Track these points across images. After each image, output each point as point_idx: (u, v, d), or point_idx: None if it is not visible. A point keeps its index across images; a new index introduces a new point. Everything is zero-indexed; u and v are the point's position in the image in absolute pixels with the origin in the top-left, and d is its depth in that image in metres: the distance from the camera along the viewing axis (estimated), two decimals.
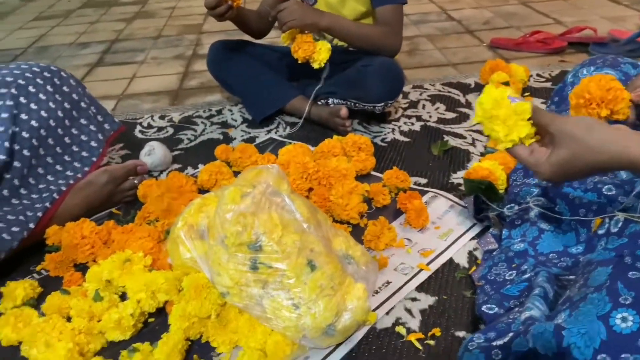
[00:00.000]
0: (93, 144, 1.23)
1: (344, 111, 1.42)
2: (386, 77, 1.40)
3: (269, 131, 1.58)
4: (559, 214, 0.95)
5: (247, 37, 1.70)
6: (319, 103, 1.55)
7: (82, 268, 1.01)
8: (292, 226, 0.80)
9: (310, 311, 0.76)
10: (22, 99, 1.11)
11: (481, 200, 1.09)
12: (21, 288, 0.92)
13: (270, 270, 0.77)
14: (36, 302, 0.94)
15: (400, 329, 0.85)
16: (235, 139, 1.55)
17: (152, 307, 0.88)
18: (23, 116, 1.10)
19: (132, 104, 1.88)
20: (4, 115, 1.08)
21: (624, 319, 0.49)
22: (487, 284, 0.88)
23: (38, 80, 1.15)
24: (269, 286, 0.77)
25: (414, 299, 0.91)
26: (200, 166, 1.38)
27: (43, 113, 1.14)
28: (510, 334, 0.57)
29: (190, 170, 1.39)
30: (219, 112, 1.73)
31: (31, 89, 1.13)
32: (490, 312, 0.78)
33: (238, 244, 0.77)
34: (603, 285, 0.56)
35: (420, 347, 0.81)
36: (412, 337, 0.83)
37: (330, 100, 1.52)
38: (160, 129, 1.64)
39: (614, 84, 0.86)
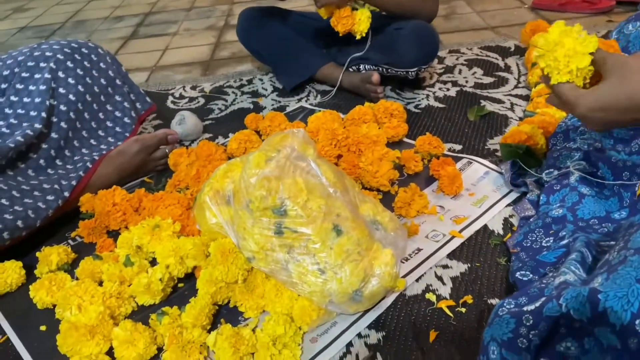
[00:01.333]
0: (126, 120, 1.24)
1: (375, 77, 1.38)
2: (420, 40, 1.35)
3: (299, 100, 1.56)
4: (601, 178, 0.89)
5: (277, 4, 1.67)
6: (351, 70, 1.51)
7: (115, 234, 1.03)
8: (318, 191, 0.78)
9: (337, 276, 0.75)
10: (60, 74, 1.13)
11: (518, 165, 1.04)
12: (55, 253, 0.95)
13: (295, 234, 0.75)
14: (70, 268, 0.96)
15: (431, 296, 0.82)
16: (265, 108, 1.53)
17: (181, 272, 0.88)
18: (61, 90, 1.13)
19: (164, 75, 1.88)
20: (42, 87, 1.10)
21: None
22: (522, 251, 0.85)
23: (76, 56, 1.17)
24: (295, 251, 0.76)
25: (445, 266, 0.88)
26: (231, 135, 1.38)
27: (80, 88, 1.16)
28: (542, 299, 0.54)
29: (220, 139, 1.39)
30: (250, 81, 1.72)
31: (69, 64, 1.15)
32: (525, 279, 0.75)
33: (263, 209, 0.76)
34: None
35: (451, 314, 0.79)
36: (443, 304, 0.80)
37: (362, 67, 1.48)
38: (191, 99, 1.64)
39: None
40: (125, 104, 1.25)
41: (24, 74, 1.11)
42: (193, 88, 1.71)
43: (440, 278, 0.86)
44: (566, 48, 0.74)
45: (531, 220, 0.91)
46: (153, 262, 0.93)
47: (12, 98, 1.10)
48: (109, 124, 1.23)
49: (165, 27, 2.39)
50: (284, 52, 1.57)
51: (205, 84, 1.74)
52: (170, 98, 1.66)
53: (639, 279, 0.48)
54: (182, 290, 0.90)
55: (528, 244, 0.85)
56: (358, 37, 1.37)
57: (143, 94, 1.31)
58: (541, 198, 0.93)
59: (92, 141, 1.20)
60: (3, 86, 1.11)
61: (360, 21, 1.34)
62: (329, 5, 1.34)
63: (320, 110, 1.42)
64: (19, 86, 1.11)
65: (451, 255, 0.90)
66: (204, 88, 1.70)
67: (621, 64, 0.60)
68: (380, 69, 1.43)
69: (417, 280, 0.86)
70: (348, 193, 0.84)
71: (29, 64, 1.12)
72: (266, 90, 1.65)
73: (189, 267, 0.89)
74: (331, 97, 1.53)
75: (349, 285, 0.75)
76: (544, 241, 0.83)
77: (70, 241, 1.05)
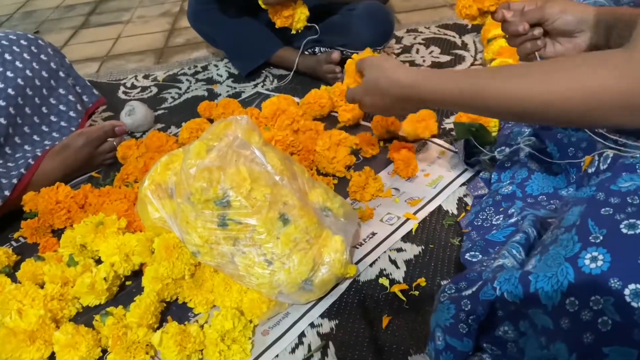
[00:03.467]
0: (72, 114, 1.19)
1: (335, 55, 1.35)
2: (373, 20, 1.32)
3: (255, 85, 1.52)
4: (549, 155, 0.89)
5: None
6: (306, 53, 1.48)
7: (60, 233, 0.98)
8: (263, 179, 0.75)
9: (284, 266, 0.72)
10: None
11: (472, 144, 1.03)
12: None
13: (240, 226, 0.73)
14: (12, 270, 0.92)
15: (384, 281, 0.81)
16: (220, 95, 1.49)
17: (127, 270, 0.85)
18: None
19: (116, 65, 1.82)
20: None
21: (593, 259, 0.44)
22: (473, 230, 0.84)
23: (14, 47, 1.11)
24: (240, 243, 0.74)
25: (399, 250, 0.87)
26: (184, 125, 1.33)
27: (20, 81, 1.10)
28: (479, 283, 0.52)
29: (173, 129, 1.35)
30: (205, 68, 1.67)
31: (7, 56, 1.09)
32: (474, 259, 0.74)
33: (204, 201, 0.73)
34: (573, 224, 0.51)
35: (403, 298, 0.77)
36: (396, 289, 0.79)
37: (317, 49, 1.45)
38: (144, 88, 1.59)
39: None
40: (70, 97, 1.19)
41: None
42: (146, 77, 1.66)
43: (394, 262, 0.85)
44: None
45: (483, 198, 0.90)
46: (99, 261, 0.89)
47: None
48: (53, 118, 1.17)
49: (118, 15, 2.31)
50: (238, 36, 1.52)
51: (158, 72, 1.68)
52: (122, 88, 1.60)
53: (568, 258, 0.47)
54: (129, 288, 0.87)
55: (479, 223, 0.84)
56: (294, 32, 1.37)
57: (90, 87, 1.25)
58: (493, 176, 0.92)
59: (35, 137, 1.14)
60: None
61: (298, 19, 1.34)
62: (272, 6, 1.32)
63: (275, 96, 1.39)
64: None
65: (405, 238, 0.89)
66: (157, 77, 1.65)
67: (370, 64, 0.81)
68: (337, 49, 1.40)
69: (370, 265, 0.84)
70: (296, 180, 0.82)
71: None
72: (221, 76, 1.60)
73: (135, 264, 0.86)
74: (288, 81, 1.49)
75: (297, 275, 0.73)
76: (494, 219, 0.83)
77: (13, 242, 1.00)
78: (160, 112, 1.43)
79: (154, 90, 1.57)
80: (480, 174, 0.97)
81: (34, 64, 1.13)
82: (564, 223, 0.52)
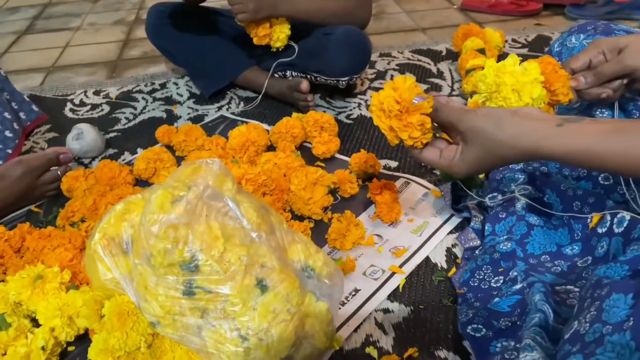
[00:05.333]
0: (7, 133, 1.04)
1: (304, 85, 1.25)
2: (351, 47, 1.23)
3: (219, 108, 1.40)
4: (548, 205, 0.82)
5: None
6: (276, 75, 1.38)
7: None
8: (237, 237, 0.64)
9: (262, 343, 0.62)
10: None
11: (459, 187, 0.96)
12: None
13: (209, 295, 0.61)
14: None
15: (371, 350, 0.72)
16: (180, 117, 1.37)
17: (70, 335, 0.72)
18: None
19: (63, 77, 1.65)
20: None
21: None
22: (469, 292, 0.76)
23: None
24: (209, 315, 0.62)
25: (386, 311, 0.78)
26: (140, 151, 1.21)
27: None
28: None
29: (127, 156, 1.21)
30: (163, 85, 1.54)
31: None
32: (477, 334, 0.65)
33: (168, 264, 0.61)
34: (624, 322, 0.44)
35: None
36: None
37: (288, 73, 1.35)
38: (94, 106, 1.44)
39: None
40: (6, 114, 1.05)
41: None
42: (96, 93, 1.51)
43: (381, 326, 0.76)
44: (510, 84, 0.73)
45: (477, 253, 0.83)
46: (35, 321, 0.76)
47: None
48: None
49: (67, 21, 2.13)
50: (201, 54, 1.40)
51: (111, 88, 1.53)
52: (69, 105, 1.45)
53: None
54: (72, 355, 0.74)
55: (476, 284, 0.76)
56: (273, 49, 1.29)
57: (28, 102, 1.11)
58: (486, 227, 0.85)
59: None
60: None
61: (277, 39, 1.27)
62: (247, 21, 1.23)
63: (243, 121, 1.28)
64: None
65: (392, 296, 0.80)
66: (109, 93, 1.50)
67: (478, 133, 0.63)
68: (309, 76, 1.31)
69: (355, 330, 0.75)
70: (274, 234, 0.71)
71: None
72: (181, 96, 1.47)
73: (80, 328, 0.73)
74: (255, 105, 1.38)
75: (277, 353, 0.62)
76: (493, 280, 0.75)
77: None
78: (112, 134, 1.29)
79: (106, 108, 1.42)
80: (471, 224, 0.89)
81: None
82: (607, 317, 0.44)
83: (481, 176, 0.98)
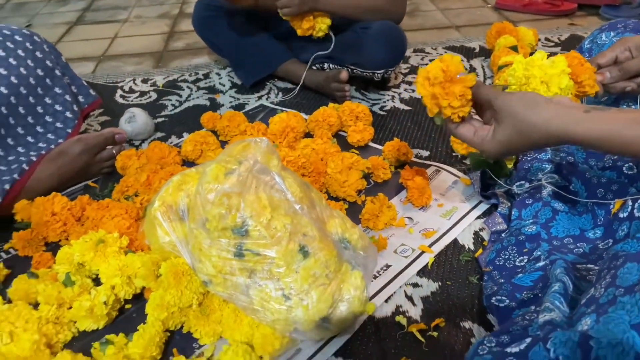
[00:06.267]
0: (68, 114, 1.12)
1: (344, 74, 1.32)
2: (387, 41, 1.29)
3: (259, 97, 1.48)
4: (574, 193, 0.87)
5: None
6: (314, 68, 1.45)
7: (54, 247, 0.93)
8: (283, 208, 0.71)
9: (302, 303, 0.68)
10: None
11: (488, 175, 1.01)
12: None
13: (257, 257, 0.68)
14: (2, 286, 0.86)
15: (401, 319, 0.77)
16: (223, 105, 1.45)
17: (129, 293, 0.80)
18: None
19: (113, 66, 1.75)
20: None
21: None
22: (495, 270, 0.81)
23: (8, 43, 1.05)
24: (257, 275, 0.69)
25: (415, 285, 0.84)
26: (185, 135, 1.29)
27: (13, 79, 1.04)
28: (528, 340, 0.49)
29: (174, 139, 1.29)
30: (206, 75, 1.62)
31: (1, 52, 1.03)
32: (501, 305, 0.71)
33: (221, 228, 0.68)
34: (635, 285, 0.48)
35: (422, 339, 0.74)
36: (414, 329, 0.75)
37: (326, 65, 1.42)
38: (142, 93, 1.53)
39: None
40: (67, 96, 1.13)
41: None
42: (144, 81, 1.60)
43: (410, 298, 0.81)
44: (539, 77, 0.79)
45: (503, 235, 0.88)
46: (96, 281, 0.84)
47: None
48: (48, 118, 1.11)
49: (114, 13, 2.24)
50: (244, 45, 1.48)
51: (157, 77, 1.63)
52: (119, 92, 1.54)
53: (633, 325, 0.44)
54: (129, 312, 0.81)
55: (501, 263, 0.81)
56: (315, 38, 1.36)
57: (86, 87, 1.19)
58: (513, 212, 0.90)
59: (29, 138, 1.08)
60: None
61: (319, 29, 1.33)
62: (292, 15, 1.30)
63: (281, 110, 1.35)
64: None
65: (421, 273, 0.86)
66: (156, 81, 1.59)
67: (512, 114, 0.67)
68: (346, 68, 1.37)
69: (386, 301, 0.81)
70: (315, 208, 0.78)
71: None
72: (224, 85, 1.55)
73: (137, 288, 0.81)
74: (293, 95, 1.45)
75: (316, 312, 0.69)
76: (518, 260, 0.80)
77: (3, 254, 0.94)
78: (160, 119, 1.38)
79: (154, 96, 1.51)
80: (499, 209, 0.94)
81: (29, 62, 1.06)
82: (620, 282, 0.49)
83: (509, 165, 1.02)
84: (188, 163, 1.16)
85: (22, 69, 1.05)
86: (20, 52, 1.05)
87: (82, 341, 0.77)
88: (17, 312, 0.75)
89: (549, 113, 0.64)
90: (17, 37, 1.05)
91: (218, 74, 1.62)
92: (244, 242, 0.69)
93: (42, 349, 0.71)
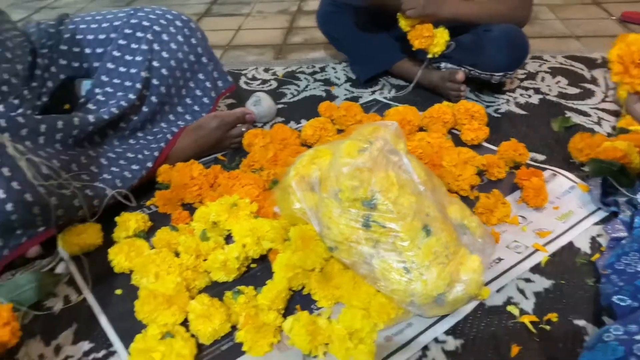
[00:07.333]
0: (205, 100, 1.23)
1: (460, 75, 1.34)
2: (510, 44, 1.30)
3: (373, 92, 1.53)
4: None
5: None
6: (429, 67, 1.48)
7: (188, 208, 1.04)
8: (409, 187, 0.76)
9: (422, 277, 0.72)
10: (155, 46, 1.12)
11: (609, 183, 0.99)
12: (134, 220, 0.96)
13: (383, 229, 0.73)
14: (146, 235, 0.97)
15: (513, 309, 0.79)
16: (337, 97, 1.52)
17: (257, 253, 0.88)
18: (155, 63, 1.12)
19: (237, 55, 1.89)
20: (139, 58, 1.11)
21: None
22: (614, 274, 0.80)
23: (171, 28, 1.15)
24: (380, 246, 0.74)
25: (527, 280, 0.85)
26: (303, 121, 1.37)
27: (172, 63, 1.15)
28: None
29: (292, 124, 1.38)
30: (322, 69, 1.70)
31: (165, 37, 1.14)
32: (623, 303, 0.70)
33: (352, 199, 0.74)
34: None
35: (534, 330, 0.75)
36: (526, 319, 0.77)
37: (442, 65, 1.44)
38: (264, 81, 1.64)
39: None
40: (207, 83, 1.23)
41: (120, 42, 1.12)
42: (265, 70, 1.71)
43: (522, 291, 0.83)
44: None
45: (624, 242, 0.86)
46: (227, 240, 0.93)
47: (109, 65, 1.11)
48: (188, 101, 1.22)
49: (238, 8, 2.40)
50: (363, 41, 1.54)
51: (277, 67, 1.73)
52: (243, 78, 1.66)
53: None
54: (254, 271, 0.89)
55: (621, 267, 0.80)
56: (430, 56, 1.38)
57: (226, 73, 1.29)
58: (635, 220, 0.88)
59: (170, 116, 1.20)
60: (98, 50, 1.12)
61: (437, 43, 1.34)
62: (414, 19, 1.32)
63: (395, 105, 1.40)
64: (115, 53, 1.12)
65: (534, 270, 0.87)
66: (276, 71, 1.70)
67: None
68: (463, 69, 1.39)
69: (497, 291, 0.83)
70: (436, 193, 0.82)
71: (126, 31, 1.12)
72: (339, 79, 1.63)
73: (264, 249, 0.89)
74: (407, 92, 1.49)
75: (434, 288, 0.72)
76: None
77: (145, 209, 1.06)
78: (279, 106, 1.47)
79: (274, 84, 1.62)
80: (620, 216, 0.92)
81: (185, 47, 1.16)
82: None
83: (633, 174, 1.00)
84: (307, 146, 1.24)
85: (179, 54, 1.15)
86: (179, 37, 1.15)
87: (213, 290, 0.85)
88: (162, 257, 0.86)
89: None
90: (177, 23, 1.16)
91: (334, 68, 1.70)
92: (371, 214, 0.74)
93: (182, 290, 0.81)
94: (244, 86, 1.61)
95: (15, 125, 0.87)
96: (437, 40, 1.34)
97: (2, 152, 0.81)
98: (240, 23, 2.21)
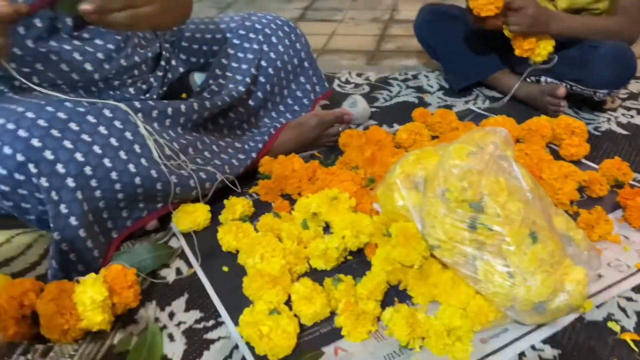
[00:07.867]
0: (305, 101, 1.32)
1: (562, 90, 1.32)
2: (618, 62, 1.27)
3: (467, 102, 1.54)
4: None
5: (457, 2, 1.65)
6: (528, 80, 1.46)
7: (287, 198, 1.09)
8: (518, 194, 0.77)
9: (526, 283, 0.73)
10: (265, 47, 1.24)
11: None
12: (240, 204, 1.02)
13: (489, 232, 0.75)
14: (249, 219, 1.03)
15: (613, 325, 0.78)
16: (430, 104, 1.53)
17: (355, 245, 0.91)
18: (263, 63, 1.24)
19: (331, 59, 1.95)
20: (250, 56, 1.22)
21: None
22: None
23: (280, 32, 1.26)
24: (485, 248, 0.76)
25: (629, 299, 0.83)
26: (395, 125, 1.40)
27: (279, 63, 1.26)
28: None
29: (385, 127, 1.41)
30: (415, 76, 1.72)
31: (273, 39, 1.25)
32: None
33: (460, 200, 0.76)
34: None
35: (635, 348, 0.74)
36: (627, 337, 0.76)
37: (542, 78, 1.43)
38: (357, 85, 1.69)
39: None
40: (307, 86, 1.33)
41: (235, 41, 1.23)
42: (358, 75, 1.76)
43: (623, 310, 0.81)
44: None
45: None
46: (325, 231, 0.98)
47: (223, 61, 1.22)
48: (289, 101, 1.32)
49: (332, 14, 2.48)
50: (460, 50, 1.55)
51: (370, 72, 1.77)
52: (337, 81, 1.72)
53: None
54: (350, 262, 0.93)
55: None
56: (532, 63, 1.35)
57: (324, 78, 1.37)
58: None
59: (273, 113, 1.30)
60: (215, 48, 1.23)
61: (539, 53, 1.31)
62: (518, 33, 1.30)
63: (489, 115, 1.39)
64: (230, 50, 1.22)
65: (637, 289, 0.85)
66: (369, 76, 1.74)
67: None
68: (565, 84, 1.37)
69: (597, 307, 0.82)
70: (543, 202, 0.82)
71: (240, 32, 1.23)
72: (432, 87, 1.64)
73: (361, 243, 0.92)
74: (502, 104, 1.49)
75: (536, 295, 0.73)
76: None
77: (247, 196, 1.13)
78: (372, 109, 1.51)
79: (367, 88, 1.66)
80: None
81: (290, 51, 1.27)
82: None
83: None
84: (401, 149, 1.26)
85: (285, 56, 1.26)
86: (286, 41, 1.26)
87: (312, 276, 0.89)
88: (267, 240, 0.91)
89: None
90: (285, 28, 1.27)
91: (426, 76, 1.71)
92: (478, 216, 0.76)
93: (286, 273, 0.86)
94: (338, 89, 1.66)
95: (148, 107, 0.96)
96: (540, 50, 1.32)
97: (135, 131, 0.90)
98: (334, 29, 2.27)
